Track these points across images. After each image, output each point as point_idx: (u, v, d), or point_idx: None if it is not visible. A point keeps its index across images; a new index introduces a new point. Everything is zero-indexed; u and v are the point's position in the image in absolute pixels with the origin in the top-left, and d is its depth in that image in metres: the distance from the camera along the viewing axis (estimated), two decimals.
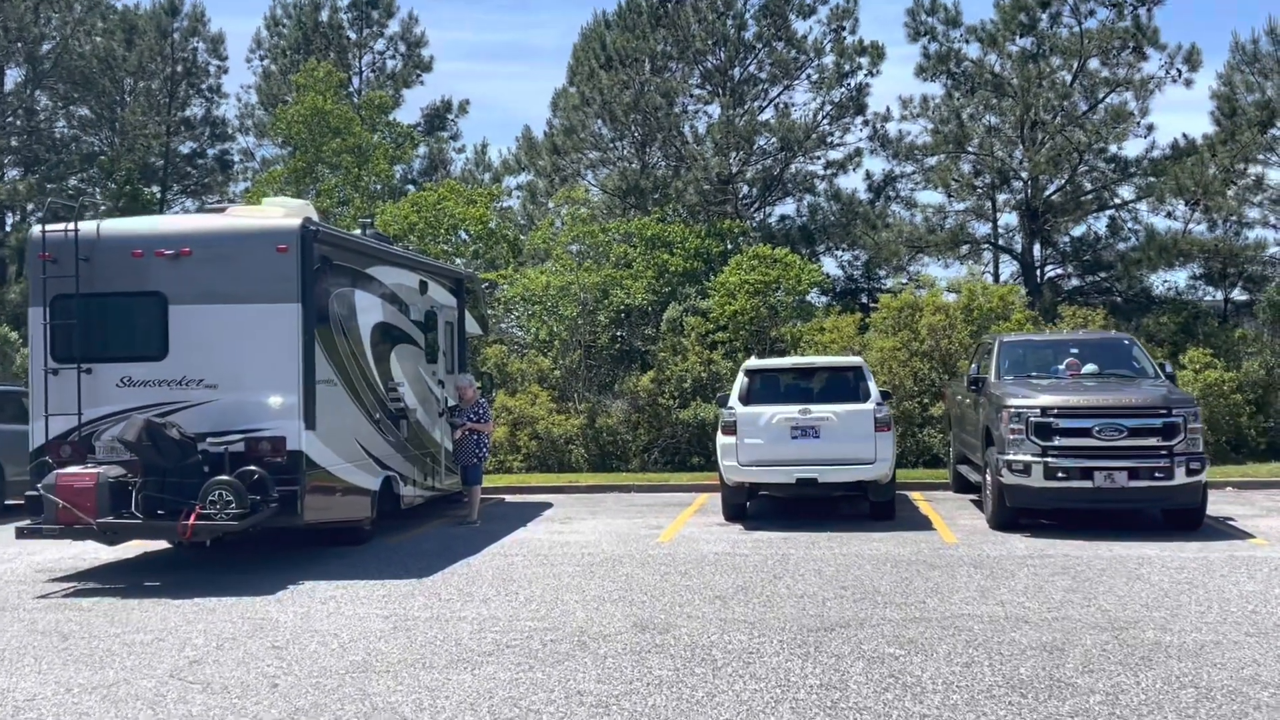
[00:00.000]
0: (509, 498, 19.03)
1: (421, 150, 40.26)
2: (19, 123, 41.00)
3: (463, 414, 15.50)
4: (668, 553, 12.65)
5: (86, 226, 12.06)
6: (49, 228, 12.11)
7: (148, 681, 7.56)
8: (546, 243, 28.52)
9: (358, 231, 14.96)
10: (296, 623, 9.30)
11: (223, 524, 10.99)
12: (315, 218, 12.47)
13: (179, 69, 40.27)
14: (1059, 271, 34.42)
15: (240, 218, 12.46)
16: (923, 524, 14.63)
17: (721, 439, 14.73)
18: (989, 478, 14.04)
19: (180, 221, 12.94)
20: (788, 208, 36.09)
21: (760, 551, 12.57)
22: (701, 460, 22.15)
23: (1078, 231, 33.72)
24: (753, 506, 15.40)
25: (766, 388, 15.10)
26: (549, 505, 17.69)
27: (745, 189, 34.32)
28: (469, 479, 15.52)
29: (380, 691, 7.21)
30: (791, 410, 14.46)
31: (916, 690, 7.02)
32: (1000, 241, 34.27)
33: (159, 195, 38.81)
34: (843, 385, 14.84)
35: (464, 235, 29.74)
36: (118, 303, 11.98)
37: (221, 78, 41.10)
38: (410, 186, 36.02)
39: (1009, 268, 34.37)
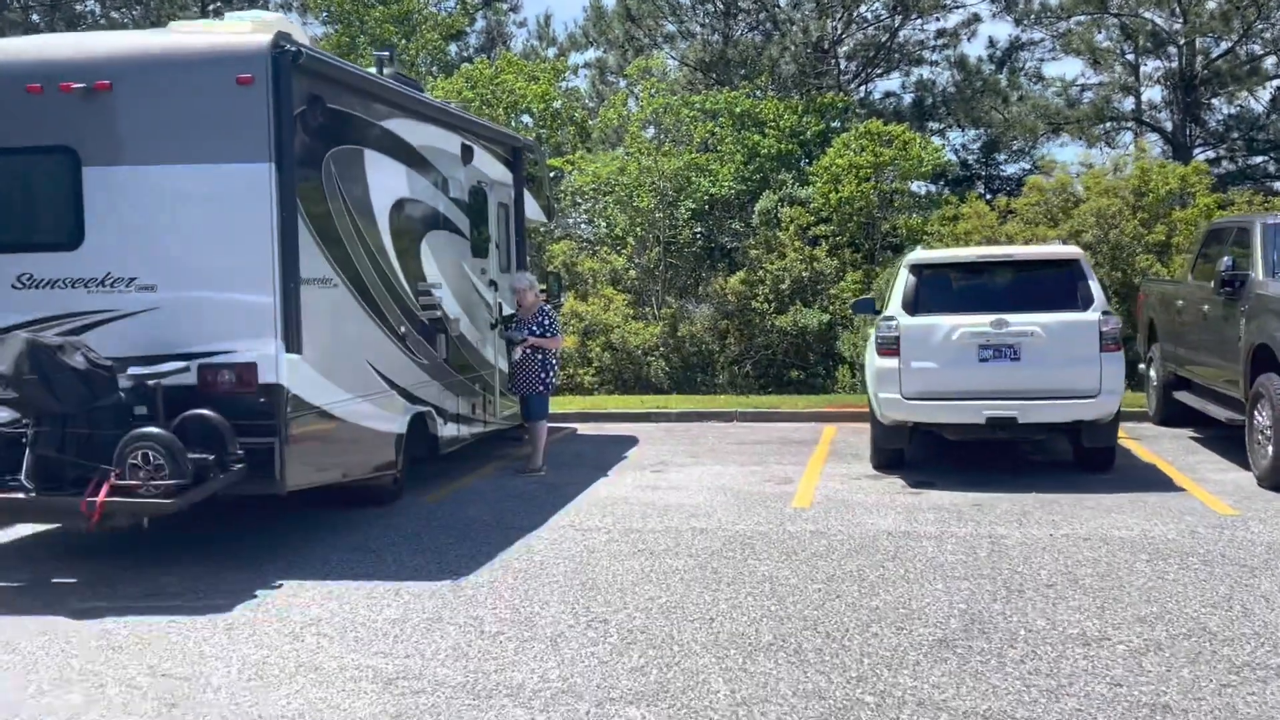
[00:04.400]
0: (582, 428, 15.13)
1: (479, 25, 36.03)
2: None
3: (522, 326, 11.54)
4: (816, 530, 8.69)
5: None
6: None
7: None
8: (620, 120, 24.36)
9: (372, 70, 10.78)
10: (236, 688, 5.49)
11: (149, 501, 7.07)
12: (300, 37, 8.40)
13: None
14: (1212, 154, 29.62)
15: (185, 34, 8.44)
16: (1159, 480, 10.48)
17: (878, 362, 10.58)
18: (1264, 416, 9.85)
19: (97, 41, 8.85)
20: (892, 83, 31.49)
21: (952, 530, 8.56)
22: (801, 374, 18.78)
23: (1237, 107, 28.89)
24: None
25: (939, 291, 10.84)
26: (633, 440, 13.77)
27: (843, 62, 29.71)
28: (532, 413, 11.59)
29: None
30: (980, 322, 10.27)
31: None
32: (1145, 119, 29.48)
33: None
34: (1052, 286, 10.54)
35: (525, 119, 25.67)
36: (9, 164, 8.11)
37: None
38: (466, 65, 31.86)
39: (1153, 150, 29.63)
